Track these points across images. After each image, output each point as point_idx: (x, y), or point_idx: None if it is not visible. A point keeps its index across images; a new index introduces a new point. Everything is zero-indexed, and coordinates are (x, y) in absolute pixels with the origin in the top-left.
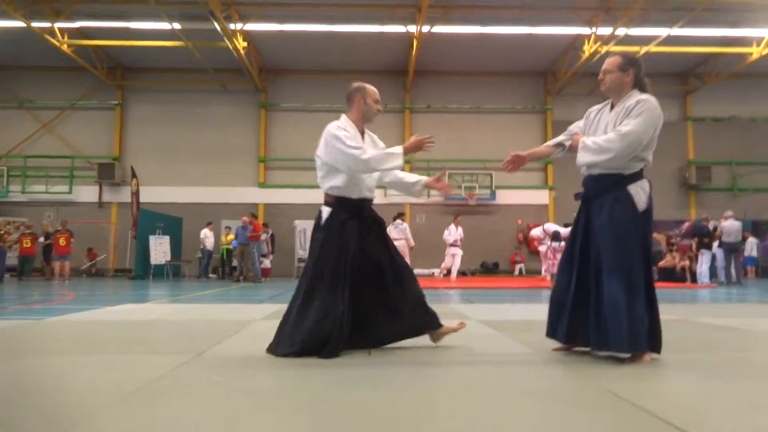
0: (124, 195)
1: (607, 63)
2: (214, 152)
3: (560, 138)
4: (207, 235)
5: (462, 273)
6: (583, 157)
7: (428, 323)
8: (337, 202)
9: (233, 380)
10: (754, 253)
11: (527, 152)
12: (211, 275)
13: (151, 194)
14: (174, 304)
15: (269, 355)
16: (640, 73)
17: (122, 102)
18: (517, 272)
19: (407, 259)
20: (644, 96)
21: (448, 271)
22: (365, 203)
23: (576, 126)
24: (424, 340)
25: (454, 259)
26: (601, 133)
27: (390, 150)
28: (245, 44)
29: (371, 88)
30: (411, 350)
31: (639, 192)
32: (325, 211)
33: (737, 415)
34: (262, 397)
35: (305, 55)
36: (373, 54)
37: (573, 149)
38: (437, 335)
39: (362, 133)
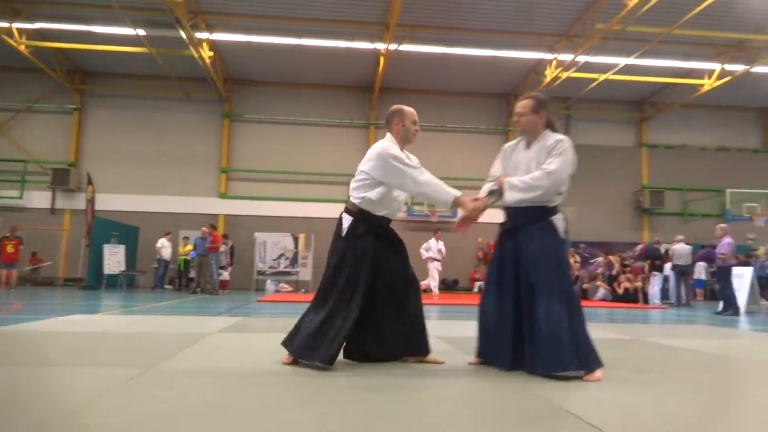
0: (79, 202)
1: (520, 106)
2: (174, 161)
3: (489, 186)
4: (164, 245)
5: (424, 290)
6: (511, 196)
7: (419, 350)
8: (360, 213)
9: (184, 395)
10: (703, 276)
11: (474, 213)
12: (167, 286)
13: (108, 202)
14: (127, 315)
15: (222, 371)
16: (549, 112)
17: (81, 106)
18: (476, 289)
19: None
20: (560, 136)
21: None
22: (384, 221)
23: (495, 169)
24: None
25: (432, 273)
26: (523, 170)
27: (446, 188)
28: (211, 54)
29: (409, 110)
30: (364, 365)
31: (560, 222)
32: (347, 220)
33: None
34: (213, 414)
35: (272, 67)
36: (340, 69)
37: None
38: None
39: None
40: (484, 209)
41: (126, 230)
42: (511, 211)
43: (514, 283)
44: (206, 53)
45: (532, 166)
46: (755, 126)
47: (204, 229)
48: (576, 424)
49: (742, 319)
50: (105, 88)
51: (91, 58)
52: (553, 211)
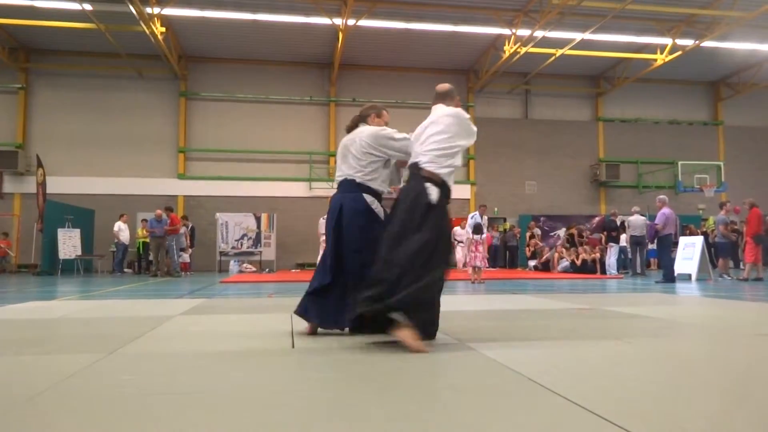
0: (29, 185)
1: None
2: (129, 141)
3: None
4: (121, 228)
5: None
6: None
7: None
8: (443, 183)
9: (148, 378)
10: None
11: None
12: (126, 270)
13: (60, 185)
14: (85, 300)
15: (186, 353)
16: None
17: (26, 86)
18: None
19: None
20: None
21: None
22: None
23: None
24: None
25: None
26: None
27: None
28: (163, 29)
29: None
30: (337, 338)
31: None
32: (369, 199)
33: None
34: (177, 397)
35: (228, 43)
36: (298, 45)
37: None
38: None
39: None
40: None
41: (81, 214)
42: None
43: None
44: (158, 29)
45: None
46: (705, 99)
47: (158, 211)
48: (533, 388)
49: (693, 285)
50: (51, 66)
51: (35, 35)
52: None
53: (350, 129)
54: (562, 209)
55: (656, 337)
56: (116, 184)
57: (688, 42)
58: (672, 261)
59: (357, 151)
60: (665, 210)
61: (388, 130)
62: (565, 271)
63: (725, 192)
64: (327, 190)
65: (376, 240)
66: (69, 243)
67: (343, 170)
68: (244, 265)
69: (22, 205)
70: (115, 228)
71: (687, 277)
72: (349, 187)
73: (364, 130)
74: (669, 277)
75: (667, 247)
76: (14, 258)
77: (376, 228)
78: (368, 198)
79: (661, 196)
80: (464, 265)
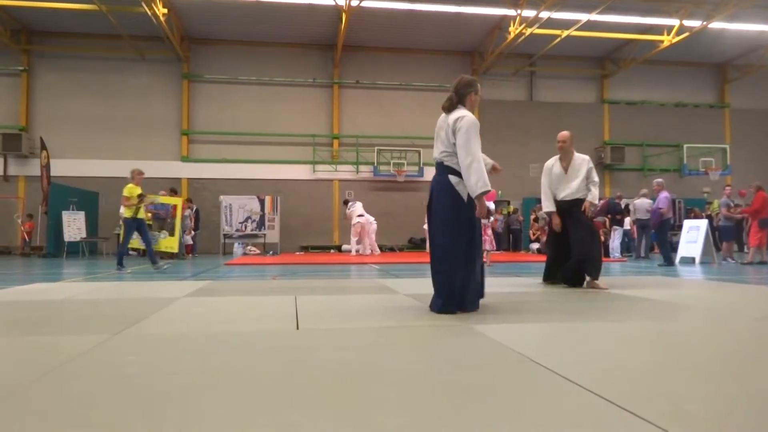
0: (33, 168)
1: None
2: (132, 124)
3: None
4: None
5: (390, 249)
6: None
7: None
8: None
9: (153, 359)
10: None
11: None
12: (131, 252)
13: (64, 167)
14: (90, 282)
15: (191, 334)
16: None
17: (29, 68)
18: None
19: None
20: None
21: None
22: None
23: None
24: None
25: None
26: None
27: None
28: (165, 11)
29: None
30: (341, 320)
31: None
32: (454, 180)
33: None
34: (182, 378)
35: (231, 24)
36: (301, 27)
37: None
38: None
39: None
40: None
41: (85, 196)
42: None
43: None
44: (160, 10)
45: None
46: (711, 82)
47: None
48: (534, 368)
49: (697, 269)
50: (54, 48)
51: (37, 16)
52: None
53: (448, 109)
54: None
55: (658, 319)
56: (120, 167)
57: (695, 23)
58: (669, 244)
59: (445, 135)
60: (665, 193)
61: (464, 129)
62: None
63: (730, 175)
64: (330, 173)
65: (461, 219)
66: (74, 225)
67: (435, 152)
68: (249, 247)
69: (26, 187)
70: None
71: (691, 261)
72: (438, 169)
73: (453, 116)
74: (669, 260)
75: (666, 231)
76: (19, 240)
77: (462, 208)
78: (453, 179)
79: (659, 180)
80: None
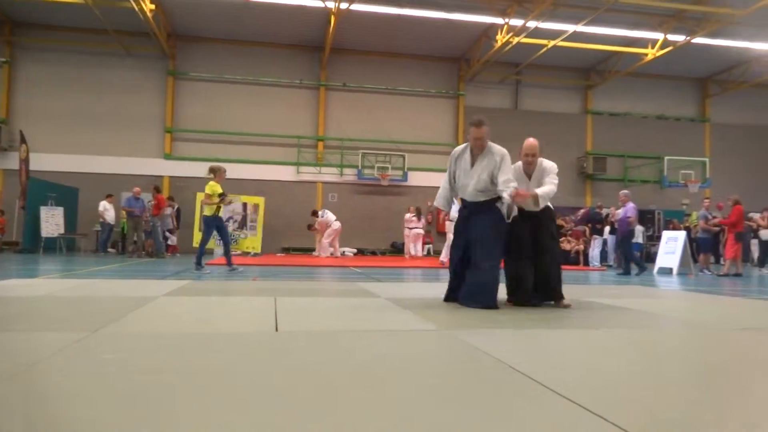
0: (12, 161)
1: (478, 132)
2: (115, 120)
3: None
4: (107, 208)
5: (372, 252)
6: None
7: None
8: None
9: (131, 357)
10: (640, 240)
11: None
12: (110, 250)
13: (44, 162)
14: (68, 279)
15: (169, 333)
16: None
17: (11, 60)
18: (424, 252)
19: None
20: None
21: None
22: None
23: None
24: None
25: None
26: (476, 176)
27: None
28: (152, 6)
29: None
30: (320, 322)
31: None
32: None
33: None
34: (160, 377)
35: (219, 23)
36: (290, 27)
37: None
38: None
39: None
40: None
41: (64, 192)
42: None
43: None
44: (147, 5)
45: (483, 174)
46: (693, 96)
47: (136, 188)
48: (512, 374)
49: (674, 279)
50: (37, 40)
51: (21, 8)
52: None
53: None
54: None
55: (635, 328)
56: (101, 163)
57: (679, 38)
58: (633, 254)
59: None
60: (632, 204)
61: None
62: None
63: (709, 188)
64: (315, 175)
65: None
66: (52, 221)
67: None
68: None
69: (4, 181)
70: (101, 208)
71: (669, 271)
72: None
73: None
74: (628, 270)
75: (631, 240)
76: None
77: None
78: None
79: (625, 191)
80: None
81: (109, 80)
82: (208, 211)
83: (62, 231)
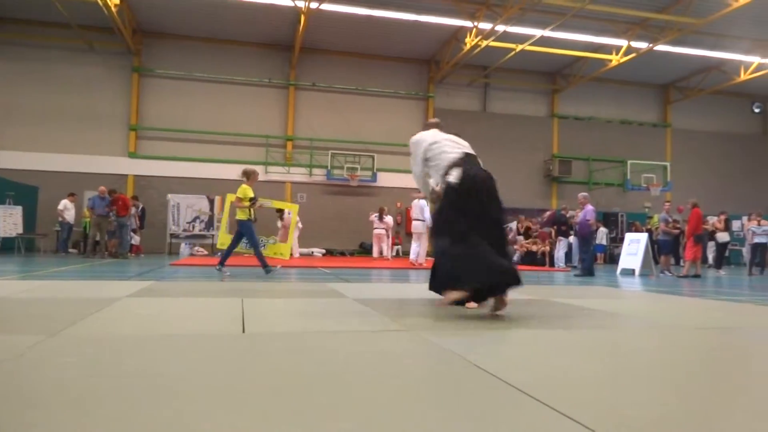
0: None
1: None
2: (78, 117)
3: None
4: (67, 207)
5: (340, 253)
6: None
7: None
8: None
9: (93, 361)
10: (604, 242)
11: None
12: (71, 250)
13: (2, 159)
14: (26, 280)
15: (133, 336)
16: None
17: None
18: (393, 253)
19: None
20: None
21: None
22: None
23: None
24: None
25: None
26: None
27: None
28: (117, 1)
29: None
30: (287, 323)
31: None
32: None
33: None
34: (122, 381)
35: (186, 19)
36: (259, 26)
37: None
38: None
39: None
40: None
41: (23, 190)
42: None
43: None
44: (112, 0)
45: None
46: (655, 102)
47: (102, 187)
48: (478, 373)
49: (636, 280)
50: None
51: None
52: None
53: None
54: (515, 202)
55: (598, 328)
56: (63, 161)
57: (642, 45)
58: (590, 256)
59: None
60: (591, 206)
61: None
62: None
63: (670, 191)
64: (283, 174)
65: None
66: (9, 221)
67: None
68: (196, 248)
69: None
70: (60, 206)
71: (631, 272)
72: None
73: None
74: (589, 271)
75: (591, 242)
76: None
77: None
78: None
79: (584, 194)
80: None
81: (72, 76)
82: (242, 215)
83: (21, 231)
